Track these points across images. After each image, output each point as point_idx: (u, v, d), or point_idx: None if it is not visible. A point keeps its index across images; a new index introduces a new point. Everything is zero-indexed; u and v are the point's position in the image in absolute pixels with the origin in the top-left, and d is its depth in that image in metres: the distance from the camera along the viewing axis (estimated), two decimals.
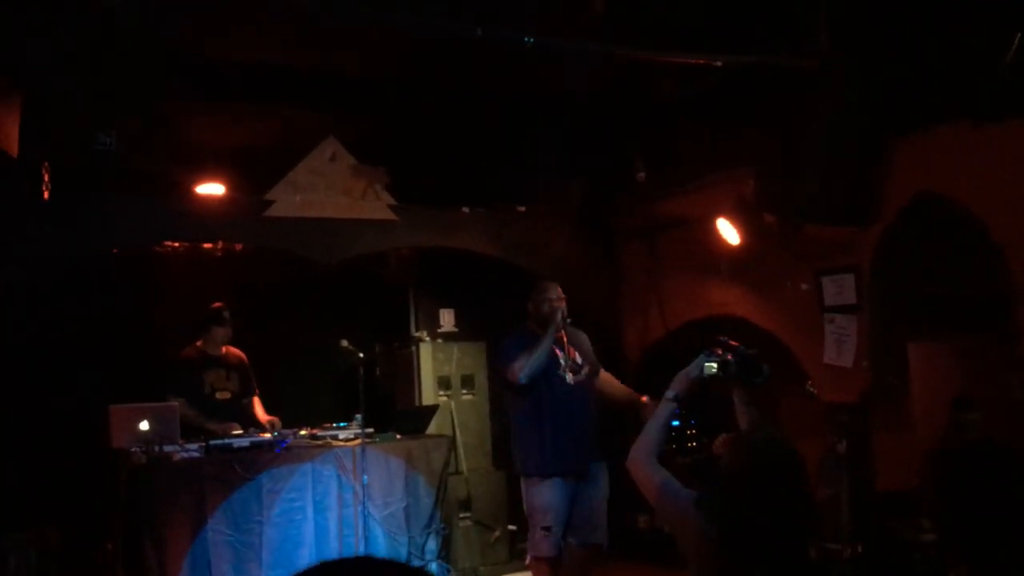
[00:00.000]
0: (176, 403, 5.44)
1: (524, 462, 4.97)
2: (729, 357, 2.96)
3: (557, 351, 4.97)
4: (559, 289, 5.10)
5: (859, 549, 5.02)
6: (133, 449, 5.00)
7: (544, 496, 4.83)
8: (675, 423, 5.96)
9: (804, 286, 5.67)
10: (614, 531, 5.05)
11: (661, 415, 2.84)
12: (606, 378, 5.24)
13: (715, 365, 2.93)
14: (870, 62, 4.89)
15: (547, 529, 4.80)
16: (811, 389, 5.68)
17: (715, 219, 5.95)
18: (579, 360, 5.05)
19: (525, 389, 4.88)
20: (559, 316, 4.93)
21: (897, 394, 5.28)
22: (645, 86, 5.71)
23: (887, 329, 5.34)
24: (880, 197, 5.18)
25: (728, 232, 5.92)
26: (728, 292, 6.32)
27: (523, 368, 4.84)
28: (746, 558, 2.28)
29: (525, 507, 4.98)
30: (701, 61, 4.86)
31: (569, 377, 4.98)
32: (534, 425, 4.91)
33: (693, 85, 5.46)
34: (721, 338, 3.04)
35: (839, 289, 5.52)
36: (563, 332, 5.01)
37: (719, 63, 4.85)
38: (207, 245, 6.46)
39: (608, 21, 4.86)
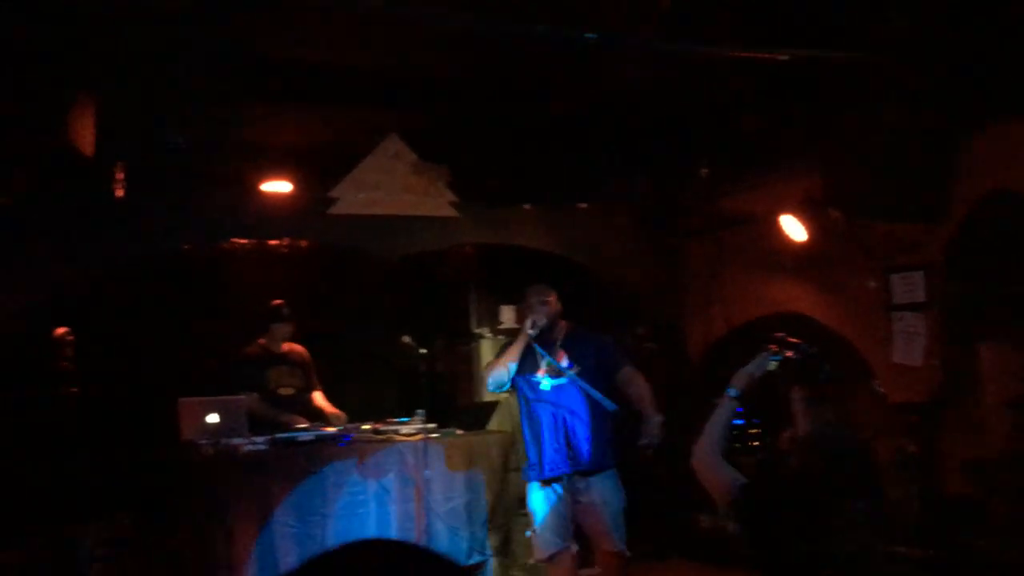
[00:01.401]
0: (244, 397, 5.53)
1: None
2: (791, 355, 2.92)
3: (540, 355, 4.83)
4: (544, 293, 4.94)
5: (929, 553, 4.91)
6: (202, 441, 5.12)
7: (529, 499, 4.86)
8: (739, 421, 5.90)
9: (872, 284, 5.57)
10: (675, 530, 5.02)
11: (723, 413, 2.82)
12: (627, 379, 4.92)
13: (776, 363, 2.90)
14: (940, 55, 4.78)
15: (533, 532, 4.83)
16: (878, 389, 5.58)
17: (780, 216, 5.87)
18: (565, 364, 4.84)
19: (515, 392, 4.95)
20: (527, 324, 4.81)
21: (968, 395, 5.16)
22: (709, 82, 5.65)
23: (958, 328, 5.22)
24: (951, 193, 5.06)
25: (793, 229, 5.84)
26: (793, 289, 6.23)
27: (487, 375, 4.91)
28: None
29: None
30: (766, 56, 4.79)
31: (546, 382, 4.84)
32: (520, 429, 4.95)
33: (758, 80, 5.39)
34: (782, 336, 3.00)
35: (908, 287, 5.41)
36: (556, 334, 4.87)
37: (784, 58, 4.77)
38: (273, 242, 6.59)
39: (672, 16, 4.82)
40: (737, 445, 6.32)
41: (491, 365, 4.94)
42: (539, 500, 4.82)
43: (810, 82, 5.17)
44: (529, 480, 4.87)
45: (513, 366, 4.83)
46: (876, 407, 5.60)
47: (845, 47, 4.82)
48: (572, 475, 4.77)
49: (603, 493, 4.80)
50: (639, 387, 4.87)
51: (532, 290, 4.97)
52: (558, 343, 4.91)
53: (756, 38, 4.77)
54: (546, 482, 4.79)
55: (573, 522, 4.82)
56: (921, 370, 5.32)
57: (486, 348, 6.73)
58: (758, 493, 2.46)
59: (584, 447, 4.78)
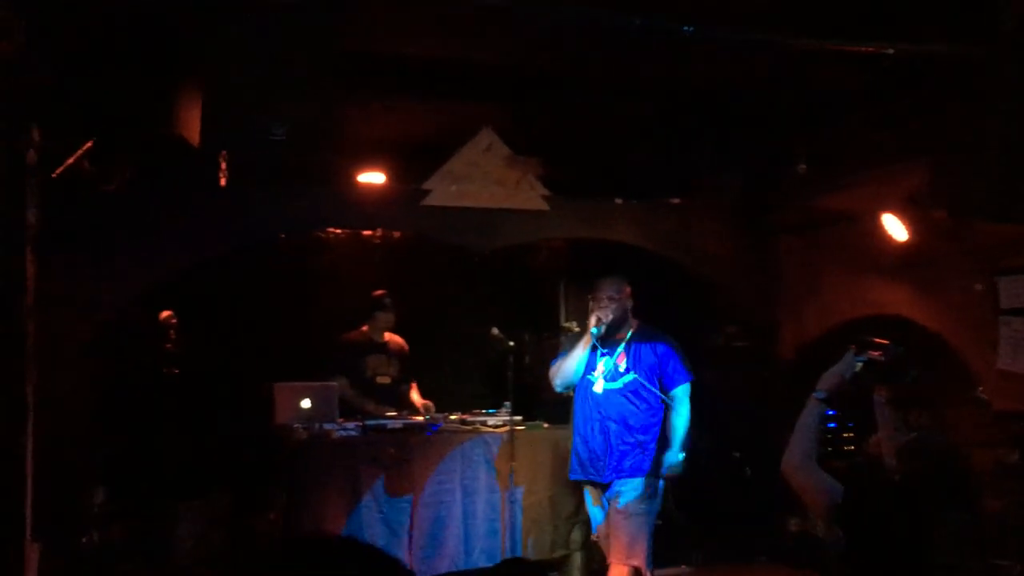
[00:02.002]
0: (336, 383, 5.65)
1: None
2: (875, 355, 2.83)
3: (600, 356, 4.74)
4: (616, 286, 4.78)
5: None
6: (295, 425, 5.25)
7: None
8: (831, 425, 5.75)
9: (978, 286, 5.36)
10: (763, 533, 4.93)
11: (811, 416, 2.74)
12: (674, 401, 4.76)
13: (862, 364, 2.81)
14: None
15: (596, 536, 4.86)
16: (982, 396, 5.37)
17: (880, 215, 5.70)
18: (623, 367, 4.72)
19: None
20: (592, 321, 4.67)
21: None
22: (808, 75, 5.52)
23: None
24: None
25: (895, 229, 5.67)
26: (892, 291, 6.04)
27: (554, 376, 4.82)
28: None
29: None
30: (871, 49, 4.65)
31: (599, 385, 4.73)
32: (573, 426, 4.90)
33: (861, 74, 5.24)
34: (867, 336, 2.92)
35: (1016, 290, 5.19)
36: (623, 332, 4.74)
37: (890, 51, 4.63)
38: (367, 232, 6.71)
39: (770, 8, 4.72)
40: (829, 449, 6.17)
41: (558, 365, 4.85)
42: (589, 503, 4.82)
43: (916, 76, 5.00)
44: (577, 480, 4.86)
45: (580, 367, 4.74)
46: (978, 415, 5.40)
47: (953, 40, 4.65)
48: (598, 481, 4.73)
49: (623, 500, 4.65)
50: (680, 416, 4.72)
51: (603, 283, 4.80)
52: (622, 344, 4.76)
53: (860, 31, 4.64)
54: (595, 487, 4.76)
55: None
56: None
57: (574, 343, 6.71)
58: (858, 501, 2.39)
59: (623, 454, 4.66)
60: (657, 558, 6.23)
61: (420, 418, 5.78)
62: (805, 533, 6.12)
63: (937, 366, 5.57)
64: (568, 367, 4.75)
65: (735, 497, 6.59)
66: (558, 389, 4.86)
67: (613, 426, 4.67)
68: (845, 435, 6.28)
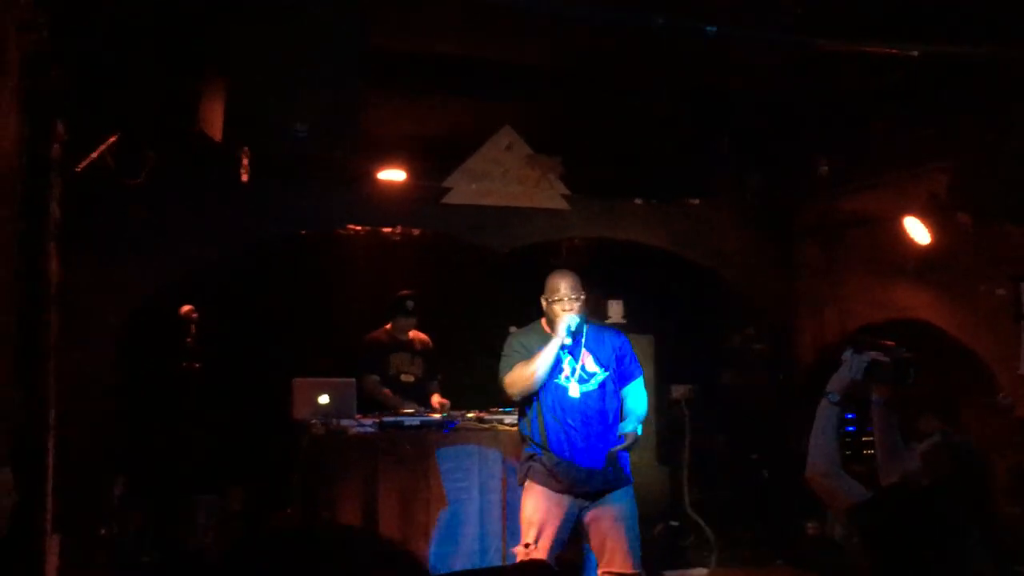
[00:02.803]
0: (354, 380, 5.66)
1: (520, 466, 4.52)
2: (876, 357, 2.79)
3: (565, 358, 4.37)
4: (573, 284, 4.37)
5: None
6: (312, 421, 5.27)
7: (528, 508, 4.36)
8: (850, 428, 5.72)
9: (1000, 291, 5.31)
10: (781, 536, 4.91)
11: (828, 420, 2.70)
12: (631, 393, 4.51)
13: (866, 365, 2.78)
14: None
15: (526, 546, 4.31)
16: (1005, 401, 5.33)
17: (902, 217, 5.67)
18: (591, 368, 4.41)
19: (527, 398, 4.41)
20: (565, 324, 4.25)
21: None
22: (831, 76, 5.49)
23: None
24: None
25: (917, 231, 5.63)
26: (913, 295, 6.00)
27: (516, 382, 4.31)
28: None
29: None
30: (895, 51, 4.61)
31: (573, 388, 4.34)
32: (533, 434, 4.41)
33: (884, 76, 5.20)
34: (868, 337, 2.89)
35: None
36: (578, 332, 4.35)
37: (915, 53, 4.59)
38: (387, 230, 6.72)
39: (793, 8, 4.69)
40: (848, 452, 6.14)
41: (518, 372, 4.33)
42: (540, 510, 4.35)
43: (940, 79, 4.96)
44: (545, 488, 4.34)
45: (545, 374, 4.29)
46: (997, 420, 5.35)
47: (979, 43, 4.61)
48: (584, 489, 4.33)
49: (623, 508, 4.40)
50: (641, 402, 4.47)
51: (564, 282, 4.37)
52: (582, 342, 4.42)
53: (885, 32, 4.61)
54: (577, 495, 4.34)
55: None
56: None
57: None
58: (885, 507, 2.36)
59: (612, 460, 4.36)
60: (674, 561, 6.26)
61: (437, 416, 5.79)
62: (823, 537, 6.09)
63: (958, 371, 5.54)
64: (539, 372, 4.26)
65: (752, 500, 6.57)
66: (517, 397, 4.37)
67: (596, 430, 4.34)
68: (865, 439, 6.24)
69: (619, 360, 4.51)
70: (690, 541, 6.43)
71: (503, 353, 4.48)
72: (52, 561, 4.03)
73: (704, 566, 6.22)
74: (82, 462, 4.77)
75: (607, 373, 4.43)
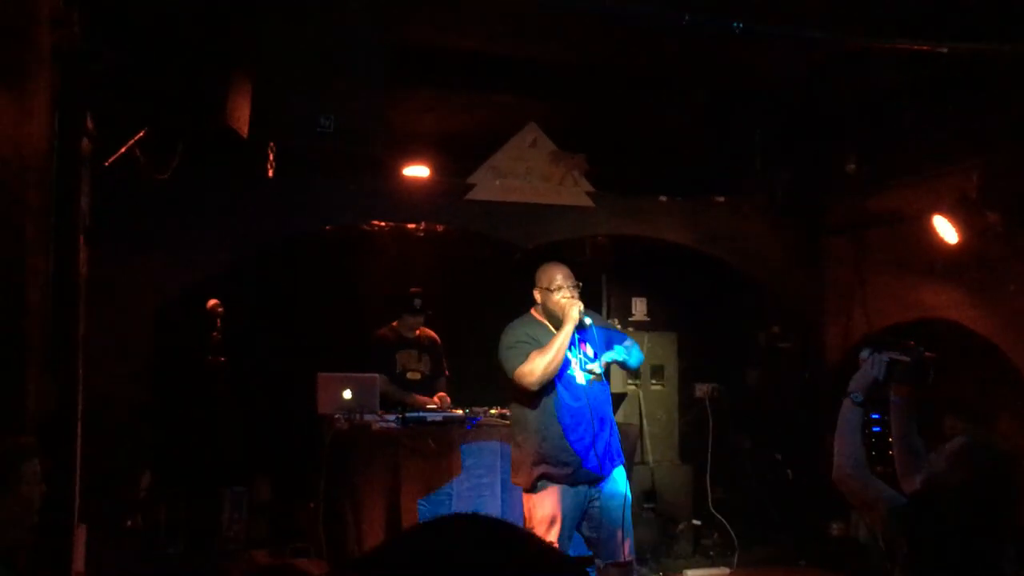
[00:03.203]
0: (378, 375, 5.67)
1: (524, 466, 4.39)
2: (895, 356, 2.75)
3: (569, 349, 4.30)
4: (568, 273, 4.34)
5: None
6: (336, 415, 5.30)
7: (546, 506, 4.25)
8: (876, 429, 5.67)
9: None
10: (805, 537, 4.86)
11: (852, 421, 2.67)
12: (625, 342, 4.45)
13: (887, 364, 2.74)
14: None
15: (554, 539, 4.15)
16: None
17: (931, 216, 5.60)
18: (591, 354, 4.38)
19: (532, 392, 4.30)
20: (575, 311, 4.19)
21: None
22: (859, 73, 5.43)
23: None
24: None
25: (945, 230, 5.56)
26: (942, 295, 5.93)
27: (535, 372, 4.18)
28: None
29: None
30: (925, 48, 4.56)
31: (580, 377, 4.31)
32: (544, 427, 4.30)
33: (913, 73, 5.14)
34: (886, 337, 2.85)
35: None
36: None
37: (944, 50, 4.53)
38: (411, 225, 6.74)
39: (822, 4, 4.65)
40: (873, 453, 6.08)
41: (537, 360, 4.20)
42: (557, 507, 4.26)
43: (970, 77, 4.90)
44: (560, 484, 4.25)
45: (562, 360, 4.22)
46: None
47: (1008, 40, 4.55)
48: (594, 475, 4.27)
49: (621, 491, 4.34)
50: (634, 354, 4.42)
51: (554, 272, 4.35)
52: (591, 331, 4.38)
53: (914, 30, 4.55)
54: (573, 484, 4.26)
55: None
56: None
57: None
58: (918, 511, 2.33)
59: (615, 443, 4.38)
60: (696, 560, 6.24)
61: (460, 412, 5.80)
62: (847, 537, 6.04)
63: (986, 372, 5.47)
64: (559, 358, 4.19)
65: (776, 500, 6.53)
66: (535, 386, 4.23)
67: (600, 414, 4.35)
68: (891, 439, 6.18)
69: (607, 342, 4.45)
70: (713, 540, 6.41)
71: (508, 345, 4.35)
72: (79, 552, 4.07)
73: (727, 565, 6.19)
74: (110, 454, 4.82)
75: (602, 358, 4.40)
